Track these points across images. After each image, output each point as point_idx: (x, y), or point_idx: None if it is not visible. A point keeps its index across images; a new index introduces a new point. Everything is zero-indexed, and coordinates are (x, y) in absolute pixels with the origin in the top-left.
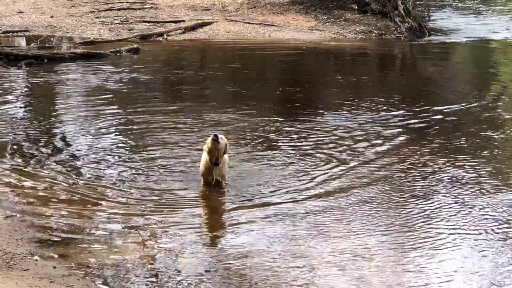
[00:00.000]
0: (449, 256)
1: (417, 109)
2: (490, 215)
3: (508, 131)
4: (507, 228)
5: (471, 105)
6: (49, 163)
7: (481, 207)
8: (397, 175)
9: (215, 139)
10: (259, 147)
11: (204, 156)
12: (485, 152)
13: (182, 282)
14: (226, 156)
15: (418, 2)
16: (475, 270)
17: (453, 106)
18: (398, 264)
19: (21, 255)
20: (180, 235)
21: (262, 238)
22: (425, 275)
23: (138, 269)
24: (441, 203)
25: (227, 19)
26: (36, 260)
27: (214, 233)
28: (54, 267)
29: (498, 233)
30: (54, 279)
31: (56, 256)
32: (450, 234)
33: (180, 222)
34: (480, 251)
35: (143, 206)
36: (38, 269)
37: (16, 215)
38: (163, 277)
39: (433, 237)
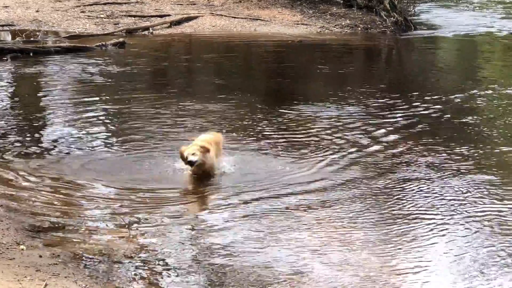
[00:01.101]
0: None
1: (402, 100)
2: None
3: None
4: None
5: (456, 95)
6: (33, 153)
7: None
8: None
9: (190, 163)
10: (245, 137)
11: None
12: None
13: (170, 273)
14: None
15: None
16: None
17: (438, 97)
18: None
19: (7, 244)
20: (165, 223)
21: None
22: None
23: (124, 258)
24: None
25: (212, 13)
26: (22, 249)
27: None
28: (40, 256)
29: None
30: (40, 267)
31: (42, 245)
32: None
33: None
34: None
35: (129, 197)
36: (24, 258)
37: (1, 205)
38: (149, 265)
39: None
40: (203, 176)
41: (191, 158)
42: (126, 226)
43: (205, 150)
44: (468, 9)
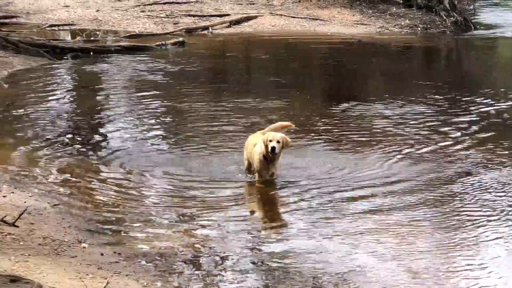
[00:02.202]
0: None
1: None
2: None
3: None
4: None
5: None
6: (93, 153)
7: None
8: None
9: (273, 151)
10: (304, 135)
11: (258, 155)
12: None
13: (227, 271)
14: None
15: None
16: None
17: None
18: None
19: (69, 242)
20: (223, 225)
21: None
22: None
23: (183, 256)
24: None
25: (272, 13)
26: (84, 247)
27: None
28: (102, 254)
29: None
30: (102, 265)
31: (103, 243)
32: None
33: (224, 214)
34: None
35: (189, 196)
36: (85, 256)
37: (63, 203)
38: (208, 265)
39: None
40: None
41: (273, 144)
42: (185, 225)
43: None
44: None
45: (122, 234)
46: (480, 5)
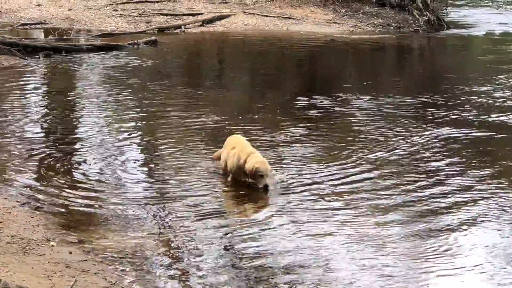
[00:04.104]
0: None
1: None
2: None
3: None
4: None
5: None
6: (64, 152)
7: None
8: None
9: (266, 190)
10: (275, 132)
11: (234, 160)
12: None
13: (199, 270)
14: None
15: None
16: None
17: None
18: None
19: (37, 240)
20: (197, 223)
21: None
22: None
23: (154, 254)
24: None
25: (245, 12)
26: (52, 245)
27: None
28: (70, 253)
29: None
30: (70, 264)
31: (72, 242)
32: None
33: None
34: None
35: (162, 194)
36: (54, 255)
37: (32, 202)
38: (180, 263)
39: None
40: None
41: (266, 182)
42: (157, 223)
43: None
44: (499, 8)
45: (92, 233)
46: (453, 4)
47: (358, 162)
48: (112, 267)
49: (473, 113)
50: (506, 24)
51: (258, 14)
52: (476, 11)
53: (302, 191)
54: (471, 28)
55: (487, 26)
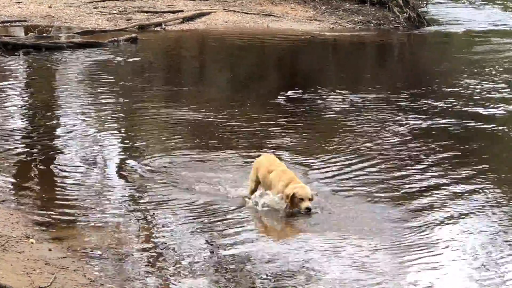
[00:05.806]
0: None
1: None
2: None
3: None
4: None
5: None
6: (43, 149)
7: None
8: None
9: (308, 211)
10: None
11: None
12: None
13: (178, 268)
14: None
15: None
16: None
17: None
18: None
19: (17, 238)
20: (179, 225)
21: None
22: None
23: (133, 252)
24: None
25: (225, 9)
26: (32, 242)
27: None
28: (50, 250)
29: None
30: (50, 261)
31: (51, 239)
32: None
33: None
34: None
35: (144, 194)
36: (33, 252)
37: (11, 199)
38: (160, 261)
39: None
40: None
41: (308, 205)
42: (136, 222)
43: None
44: (479, 5)
45: (71, 230)
46: (434, 1)
47: (340, 153)
48: (92, 264)
49: (453, 104)
50: (485, 21)
51: (238, 11)
52: (457, 9)
53: None
54: (451, 25)
55: (466, 23)
